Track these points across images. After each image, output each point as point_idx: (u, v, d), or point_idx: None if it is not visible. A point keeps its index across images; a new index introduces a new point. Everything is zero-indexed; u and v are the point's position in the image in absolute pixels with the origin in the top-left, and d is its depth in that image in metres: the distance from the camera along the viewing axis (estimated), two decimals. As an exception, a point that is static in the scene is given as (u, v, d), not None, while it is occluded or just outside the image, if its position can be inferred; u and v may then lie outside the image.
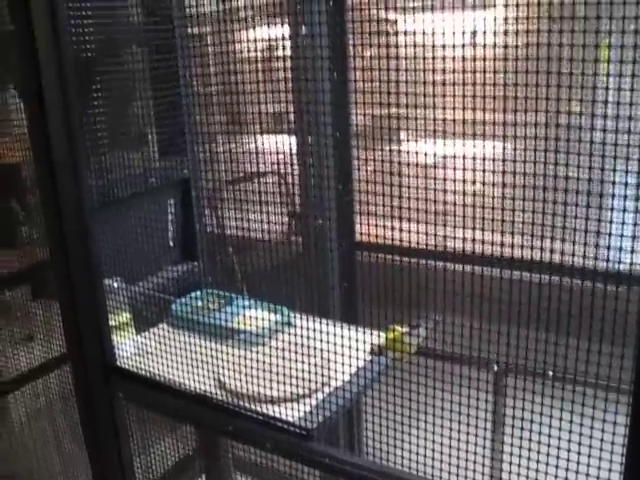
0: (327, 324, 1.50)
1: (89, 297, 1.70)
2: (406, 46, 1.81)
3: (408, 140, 1.93)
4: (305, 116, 2.25)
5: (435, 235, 1.60)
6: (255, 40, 2.07)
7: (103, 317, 1.71)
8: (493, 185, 1.57)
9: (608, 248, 1.40)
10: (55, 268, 1.75)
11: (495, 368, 2.04)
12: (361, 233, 2.29)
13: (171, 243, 1.94)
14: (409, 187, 1.71)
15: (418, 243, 1.66)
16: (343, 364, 1.48)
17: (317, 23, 2.06)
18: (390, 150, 1.87)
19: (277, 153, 2.05)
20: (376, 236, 1.75)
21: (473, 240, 1.59)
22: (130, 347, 1.79)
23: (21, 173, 2.12)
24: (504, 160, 1.55)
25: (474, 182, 1.63)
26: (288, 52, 2.23)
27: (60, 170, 1.68)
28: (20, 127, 1.95)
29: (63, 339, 1.89)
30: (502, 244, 1.57)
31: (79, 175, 1.65)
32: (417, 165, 1.79)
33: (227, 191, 2.04)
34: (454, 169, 1.67)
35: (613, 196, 1.37)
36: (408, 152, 1.82)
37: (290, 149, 2.12)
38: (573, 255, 1.45)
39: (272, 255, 1.79)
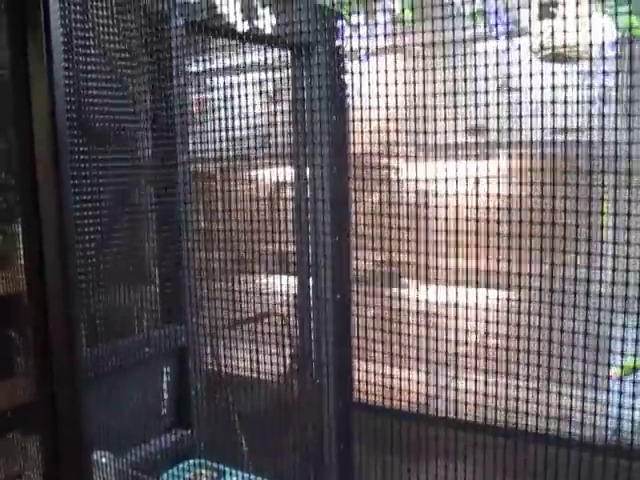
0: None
1: (76, 474, 1.62)
2: (408, 193, 1.81)
3: (417, 288, 1.91)
4: (305, 258, 2.23)
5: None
6: (252, 180, 2.09)
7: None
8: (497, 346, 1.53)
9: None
10: (42, 441, 1.68)
11: None
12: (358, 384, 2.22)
13: (164, 411, 1.89)
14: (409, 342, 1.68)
15: (418, 399, 1.62)
16: None
17: (319, 165, 2.08)
18: (391, 298, 1.85)
19: (276, 296, 2.03)
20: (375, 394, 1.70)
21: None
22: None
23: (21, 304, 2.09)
24: (508, 311, 1.52)
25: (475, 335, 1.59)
26: (290, 193, 2.24)
27: (54, 319, 1.64)
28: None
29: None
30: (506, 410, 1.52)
31: (73, 332, 1.62)
32: (418, 316, 1.76)
33: (225, 334, 2.01)
34: (455, 318, 1.64)
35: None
36: (409, 300, 1.80)
37: (289, 294, 2.10)
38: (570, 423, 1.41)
39: (268, 416, 1.74)
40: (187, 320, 1.91)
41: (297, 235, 2.15)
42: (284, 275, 2.15)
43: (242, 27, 1.69)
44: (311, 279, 2.25)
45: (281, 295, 2.03)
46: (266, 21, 1.67)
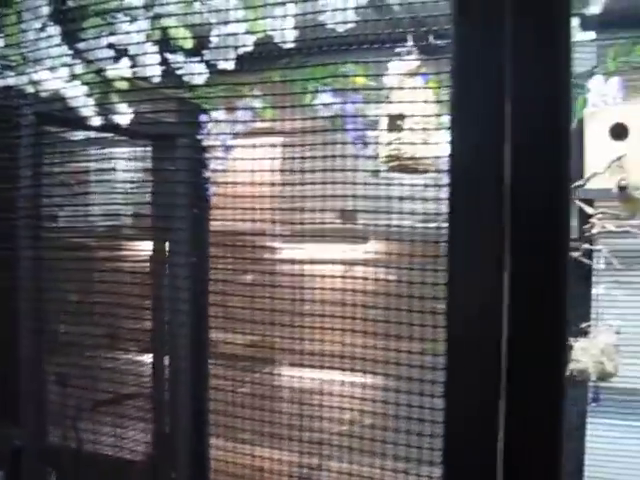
0: None
1: None
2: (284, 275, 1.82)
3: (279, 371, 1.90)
4: (162, 335, 2.19)
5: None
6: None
7: None
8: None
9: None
10: None
11: None
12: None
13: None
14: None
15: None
16: None
17: (180, 241, 2.06)
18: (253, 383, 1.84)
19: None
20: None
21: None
22: None
23: None
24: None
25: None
26: (148, 271, 2.20)
27: None
28: None
29: None
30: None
31: None
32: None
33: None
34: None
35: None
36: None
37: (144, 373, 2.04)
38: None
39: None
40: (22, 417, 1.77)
41: (154, 313, 2.12)
42: (140, 353, 2.10)
43: (96, 120, 1.61)
44: (167, 358, 2.21)
45: (136, 375, 1.97)
46: (123, 114, 1.63)
